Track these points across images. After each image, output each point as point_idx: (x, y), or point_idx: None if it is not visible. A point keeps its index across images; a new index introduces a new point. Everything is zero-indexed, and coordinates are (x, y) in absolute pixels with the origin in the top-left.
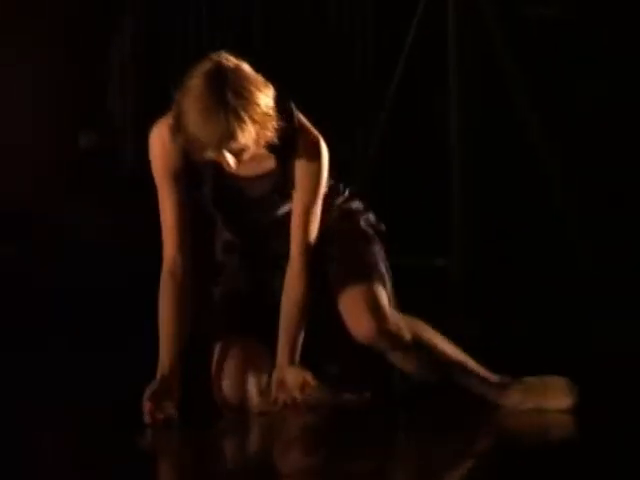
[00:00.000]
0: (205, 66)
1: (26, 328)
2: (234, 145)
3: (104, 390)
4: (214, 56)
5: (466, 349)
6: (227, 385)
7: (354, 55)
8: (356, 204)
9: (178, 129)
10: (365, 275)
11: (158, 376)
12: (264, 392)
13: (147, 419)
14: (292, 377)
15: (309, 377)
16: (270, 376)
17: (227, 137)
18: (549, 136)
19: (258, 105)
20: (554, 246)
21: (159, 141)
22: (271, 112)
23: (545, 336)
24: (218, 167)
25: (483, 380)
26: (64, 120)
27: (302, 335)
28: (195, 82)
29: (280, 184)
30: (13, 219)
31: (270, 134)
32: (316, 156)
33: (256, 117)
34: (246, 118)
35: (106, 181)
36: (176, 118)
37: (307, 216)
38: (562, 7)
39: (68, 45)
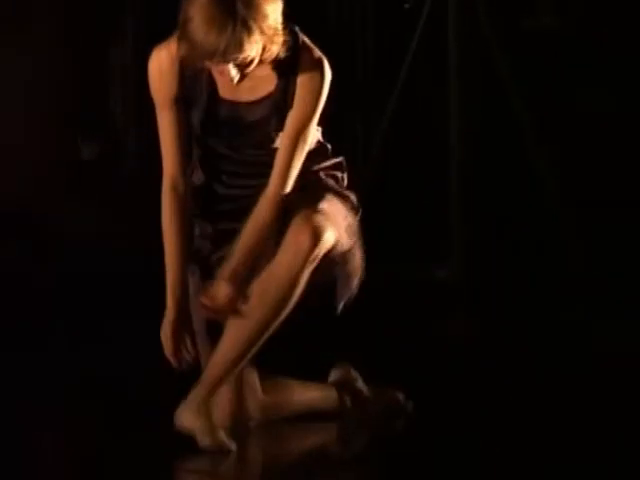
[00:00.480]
0: None
1: (26, 328)
2: (240, 56)
3: (103, 388)
4: None
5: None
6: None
7: (355, 55)
8: (336, 177)
9: (182, 37)
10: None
11: (170, 304)
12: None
13: (173, 362)
14: (223, 290)
15: (239, 298)
16: None
17: (234, 46)
18: (547, 141)
19: (267, 17)
20: (552, 247)
21: (157, 65)
22: (279, 26)
23: (545, 338)
24: (213, 92)
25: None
26: (63, 121)
27: (249, 262)
28: None
29: (280, 106)
30: (13, 219)
31: (276, 49)
32: (318, 75)
33: (264, 29)
34: (254, 28)
35: (107, 183)
36: (182, 26)
37: (296, 138)
38: (559, 18)
39: (68, 45)
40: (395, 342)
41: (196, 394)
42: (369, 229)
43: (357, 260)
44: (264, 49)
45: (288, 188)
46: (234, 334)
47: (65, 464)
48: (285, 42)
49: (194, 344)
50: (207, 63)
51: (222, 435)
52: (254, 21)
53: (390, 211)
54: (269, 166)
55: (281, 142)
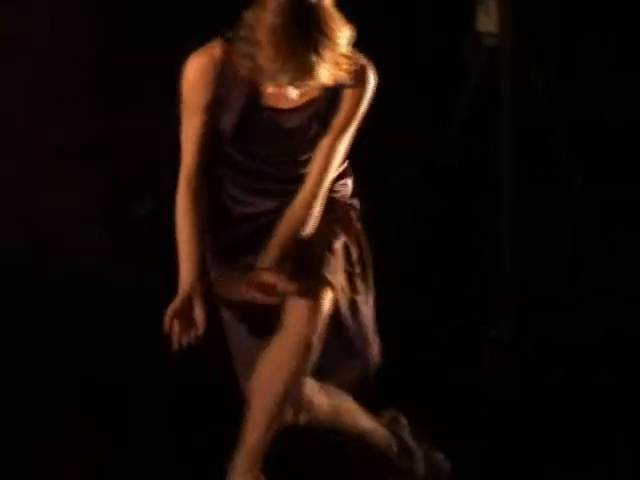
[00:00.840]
0: None
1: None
2: (308, 83)
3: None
4: None
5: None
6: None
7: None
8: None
9: (245, 57)
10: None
11: (180, 293)
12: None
13: (175, 341)
14: (269, 278)
15: (286, 283)
16: None
17: (302, 75)
18: (599, 199)
19: (338, 45)
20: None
21: (196, 72)
22: (348, 54)
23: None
24: (253, 98)
25: None
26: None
27: (289, 249)
28: (273, 13)
29: (322, 112)
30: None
31: (342, 75)
32: (363, 82)
33: (335, 58)
34: (327, 58)
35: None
36: (245, 45)
37: (338, 141)
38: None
39: (119, 109)
40: (440, 397)
41: (241, 466)
42: (421, 286)
43: (369, 309)
44: (332, 75)
45: (324, 189)
46: (261, 403)
47: (65, 465)
48: (350, 66)
49: (201, 324)
50: (268, 84)
51: None
52: (326, 51)
53: (441, 270)
54: (290, 183)
55: (321, 145)
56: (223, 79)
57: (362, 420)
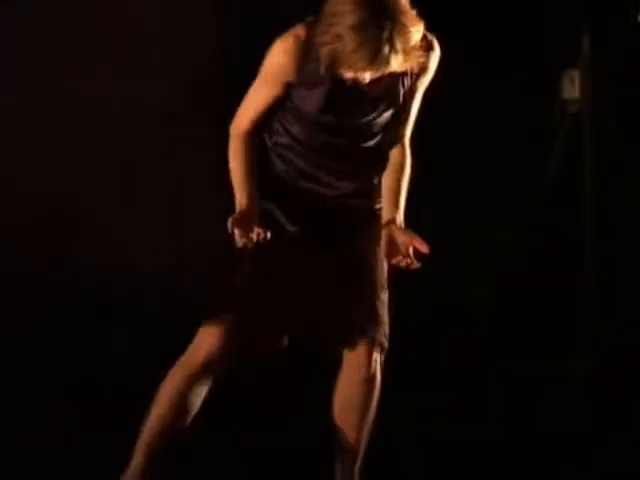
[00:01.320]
0: None
1: None
2: (384, 71)
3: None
4: None
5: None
6: None
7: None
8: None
9: (326, 50)
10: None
11: (238, 209)
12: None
13: (239, 241)
14: (401, 237)
15: (418, 241)
16: None
17: (379, 65)
18: None
19: (410, 39)
20: None
21: (282, 52)
22: (418, 46)
23: None
24: (334, 74)
25: None
26: None
27: (404, 198)
28: (352, 6)
29: (403, 82)
30: None
31: (412, 65)
32: (434, 53)
33: (407, 49)
34: (399, 49)
35: None
36: (326, 39)
37: (418, 100)
38: None
39: None
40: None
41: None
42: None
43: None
44: (404, 64)
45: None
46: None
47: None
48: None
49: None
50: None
51: None
52: (400, 42)
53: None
54: (362, 163)
55: (409, 101)
56: (308, 59)
57: None
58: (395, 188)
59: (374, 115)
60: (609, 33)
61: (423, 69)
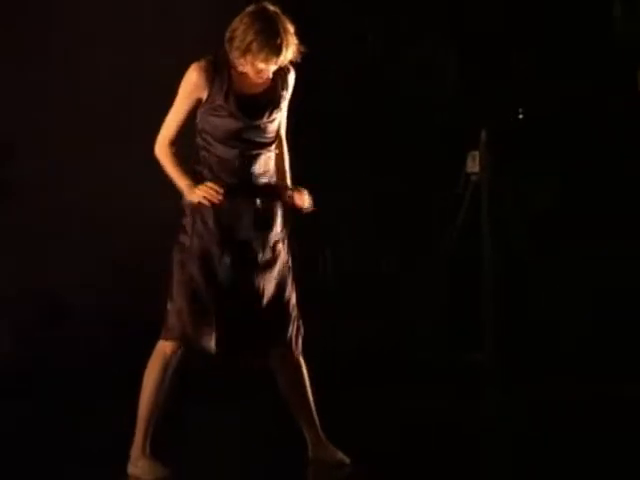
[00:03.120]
0: (254, 9)
1: None
2: (278, 62)
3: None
4: (257, 4)
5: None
6: None
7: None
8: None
9: (245, 54)
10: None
11: (194, 186)
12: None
13: (204, 200)
14: (293, 191)
15: (303, 193)
16: None
17: (277, 54)
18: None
19: (292, 37)
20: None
21: (196, 73)
22: (296, 44)
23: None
24: (233, 89)
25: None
26: None
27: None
28: (251, 18)
29: (275, 97)
30: None
31: (291, 59)
32: (293, 72)
33: (291, 44)
34: (290, 43)
35: None
36: (242, 47)
37: (285, 111)
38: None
39: None
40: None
41: None
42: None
43: None
44: (289, 58)
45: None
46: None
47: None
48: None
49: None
50: (258, 67)
51: None
52: (287, 38)
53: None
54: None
55: (282, 116)
56: (216, 79)
57: None
58: (284, 169)
59: (266, 119)
60: (500, 126)
61: (289, 85)
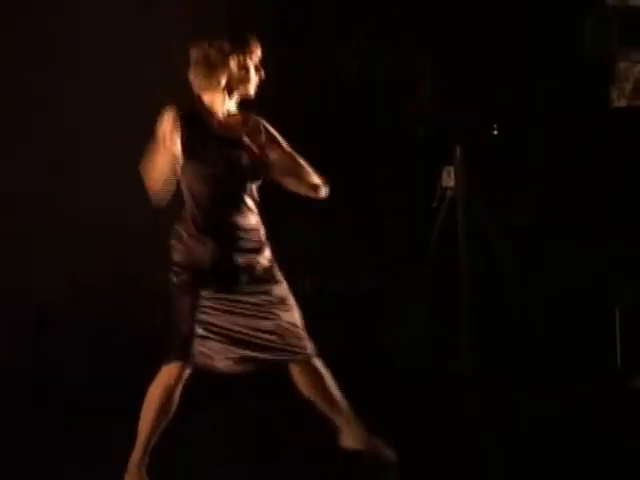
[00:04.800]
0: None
1: None
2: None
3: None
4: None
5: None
6: None
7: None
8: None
9: (203, 88)
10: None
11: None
12: None
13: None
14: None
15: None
16: None
17: (240, 84)
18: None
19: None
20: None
21: (171, 121)
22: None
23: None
24: (208, 131)
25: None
26: None
27: None
28: (199, 59)
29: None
30: None
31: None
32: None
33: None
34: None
35: None
36: (201, 84)
37: None
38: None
39: None
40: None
41: None
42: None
43: None
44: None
45: None
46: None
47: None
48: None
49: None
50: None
51: None
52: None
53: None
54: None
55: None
56: (187, 130)
57: None
58: None
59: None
60: (475, 143)
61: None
